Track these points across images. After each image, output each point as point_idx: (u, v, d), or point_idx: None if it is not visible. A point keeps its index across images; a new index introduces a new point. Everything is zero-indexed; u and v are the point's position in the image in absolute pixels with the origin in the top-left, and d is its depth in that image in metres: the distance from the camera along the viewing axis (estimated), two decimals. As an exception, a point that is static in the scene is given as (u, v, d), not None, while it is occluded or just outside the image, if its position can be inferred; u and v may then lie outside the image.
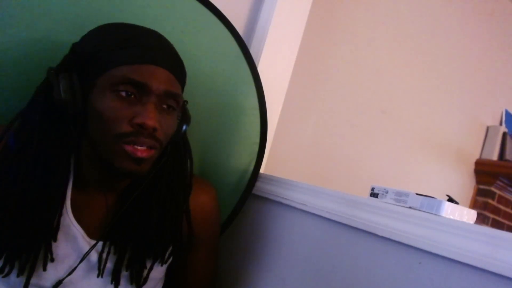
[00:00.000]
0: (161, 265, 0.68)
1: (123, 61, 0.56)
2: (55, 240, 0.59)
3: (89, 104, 0.57)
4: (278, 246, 0.82)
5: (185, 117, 0.68)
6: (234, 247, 0.93)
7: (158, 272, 0.69)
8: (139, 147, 0.57)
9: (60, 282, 0.60)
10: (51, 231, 0.59)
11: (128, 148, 0.56)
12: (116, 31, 0.60)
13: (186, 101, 0.69)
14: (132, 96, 0.57)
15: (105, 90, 0.56)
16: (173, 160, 0.68)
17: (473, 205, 2.15)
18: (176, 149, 0.69)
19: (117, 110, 0.56)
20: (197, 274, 0.78)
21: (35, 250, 0.57)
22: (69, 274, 0.60)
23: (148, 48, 0.58)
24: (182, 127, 0.67)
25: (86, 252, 0.61)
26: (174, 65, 0.61)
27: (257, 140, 0.92)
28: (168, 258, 0.69)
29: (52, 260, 0.59)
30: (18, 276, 0.57)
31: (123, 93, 0.56)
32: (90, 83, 0.57)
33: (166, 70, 0.59)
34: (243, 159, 0.90)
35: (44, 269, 0.59)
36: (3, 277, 0.57)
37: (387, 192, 0.73)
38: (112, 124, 0.56)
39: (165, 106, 0.60)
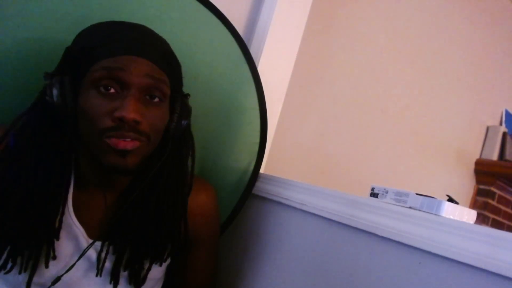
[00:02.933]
0: (160, 265, 0.68)
1: (102, 56, 0.56)
2: (57, 238, 0.60)
3: (79, 105, 0.57)
4: (278, 246, 0.82)
5: (184, 111, 0.66)
6: (234, 247, 0.93)
7: (157, 272, 0.69)
8: (121, 140, 0.56)
9: (58, 278, 0.60)
10: (54, 230, 0.59)
11: (110, 141, 0.56)
12: (101, 29, 0.60)
13: (188, 95, 0.68)
14: (113, 91, 0.56)
15: (88, 88, 0.56)
16: (174, 158, 0.68)
17: (473, 205, 2.15)
18: (178, 146, 0.68)
19: (98, 106, 0.56)
20: (197, 274, 0.78)
21: (37, 247, 0.58)
22: (67, 271, 0.61)
23: (129, 41, 0.58)
24: (181, 121, 0.66)
25: (83, 251, 0.62)
26: (158, 55, 0.60)
27: (257, 140, 0.92)
28: (167, 258, 0.69)
29: (54, 257, 0.60)
30: (20, 273, 0.58)
31: (103, 89, 0.56)
32: (79, 83, 0.58)
33: (147, 60, 0.58)
34: (243, 159, 0.90)
35: (46, 266, 0.59)
36: (5, 273, 0.57)
37: (387, 192, 0.73)
38: (95, 120, 0.56)
39: (149, 97, 0.59)
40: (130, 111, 0.55)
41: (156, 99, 0.59)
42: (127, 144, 0.56)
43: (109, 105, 0.56)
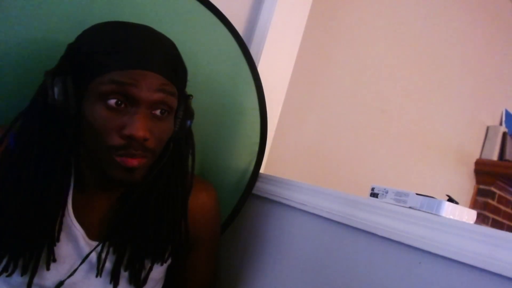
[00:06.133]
0: (161, 265, 0.68)
1: (112, 67, 0.54)
2: (57, 240, 0.59)
3: (83, 110, 0.56)
4: (278, 246, 0.82)
5: (187, 114, 0.66)
6: (234, 247, 0.93)
7: (157, 273, 0.69)
8: (129, 158, 0.56)
9: (61, 283, 0.60)
10: (54, 231, 0.59)
11: (118, 159, 0.55)
12: (108, 33, 0.58)
13: (191, 96, 0.68)
14: (122, 106, 0.55)
15: (95, 98, 0.55)
16: (174, 160, 0.67)
17: (473, 205, 2.15)
18: (179, 147, 0.68)
19: (106, 121, 0.55)
20: (197, 274, 0.78)
21: (37, 249, 0.58)
22: (70, 275, 0.61)
23: (138, 52, 0.56)
24: (185, 123, 0.65)
25: (87, 255, 0.62)
26: (168, 67, 0.58)
27: (257, 140, 0.92)
28: (167, 258, 0.69)
29: (54, 260, 0.60)
30: (22, 275, 0.58)
31: (113, 103, 0.55)
32: (84, 87, 0.56)
33: (157, 74, 0.56)
34: (243, 159, 0.90)
35: (48, 269, 0.59)
36: (7, 276, 0.57)
37: (387, 192, 0.73)
38: (103, 135, 0.55)
39: (157, 112, 0.58)
40: (139, 129, 0.54)
41: (164, 113, 0.59)
42: (134, 161, 0.56)
43: (118, 120, 0.55)
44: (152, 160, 0.60)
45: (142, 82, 0.55)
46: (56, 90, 0.56)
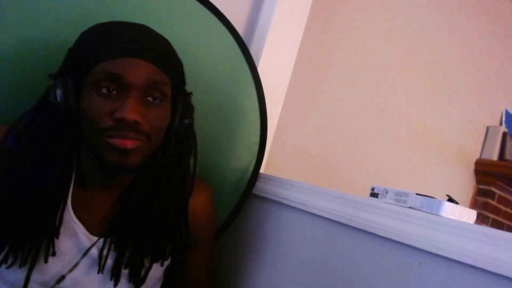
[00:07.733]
0: (161, 265, 0.69)
1: (103, 57, 0.57)
2: (57, 235, 0.60)
3: (80, 106, 0.58)
4: (278, 246, 0.82)
5: (185, 110, 0.66)
6: (234, 247, 0.93)
7: (157, 271, 0.69)
8: (122, 139, 0.57)
9: (62, 277, 0.61)
10: (53, 225, 0.60)
11: (110, 140, 0.56)
12: (102, 30, 0.60)
13: (191, 93, 0.69)
14: (114, 92, 0.57)
15: (90, 89, 0.57)
16: (176, 157, 0.68)
17: (473, 205, 2.15)
18: (180, 145, 0.68)
19: (99, 107, 0.56)
20: (195, 272, 0.78)
21: (37, 242, 0.58)
22: (71, 270, 0.61)
23: (129, 42, 0.58)
24: (183, 120, 0.66)
25: (88, 249, 0.62)
26: (158, 56, 0.60)
27: (257, 140, 0.92)
28: (168, 257, 0.69)
29: (54, 253, 0.60)
30: (20, 267, 0.58)
31: (104, 90, 0.56)
32: (81, 84, 0.58)
33: (147, 61, 0.58)
34: (243, 159, 0.90)
35: (46, 261, 0.59)
36: (7, 268, 0.58)
37: (387, 192, 0.73)
38: (96, 120, 0.56)
39: (150, 98, 0.59)
40: (130, 112, 0.55)
41: (157, 100, 0.60)
42: (127, 142, 0.57)
43: (110, 105, 0.56)
44: (148, 146, 0.60)
45: (132, 69, 0.57)
46: (58, 91, 0.58)
